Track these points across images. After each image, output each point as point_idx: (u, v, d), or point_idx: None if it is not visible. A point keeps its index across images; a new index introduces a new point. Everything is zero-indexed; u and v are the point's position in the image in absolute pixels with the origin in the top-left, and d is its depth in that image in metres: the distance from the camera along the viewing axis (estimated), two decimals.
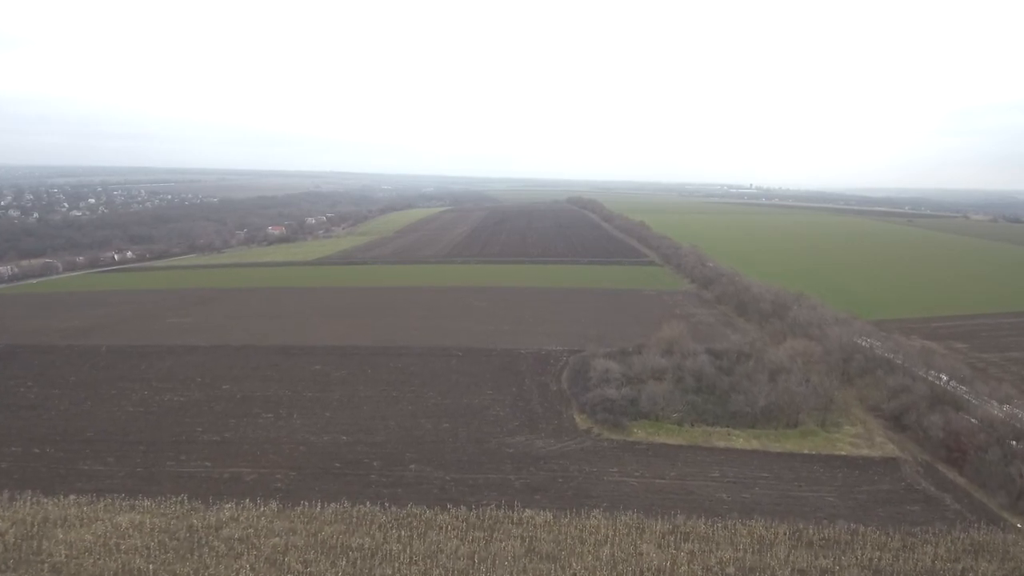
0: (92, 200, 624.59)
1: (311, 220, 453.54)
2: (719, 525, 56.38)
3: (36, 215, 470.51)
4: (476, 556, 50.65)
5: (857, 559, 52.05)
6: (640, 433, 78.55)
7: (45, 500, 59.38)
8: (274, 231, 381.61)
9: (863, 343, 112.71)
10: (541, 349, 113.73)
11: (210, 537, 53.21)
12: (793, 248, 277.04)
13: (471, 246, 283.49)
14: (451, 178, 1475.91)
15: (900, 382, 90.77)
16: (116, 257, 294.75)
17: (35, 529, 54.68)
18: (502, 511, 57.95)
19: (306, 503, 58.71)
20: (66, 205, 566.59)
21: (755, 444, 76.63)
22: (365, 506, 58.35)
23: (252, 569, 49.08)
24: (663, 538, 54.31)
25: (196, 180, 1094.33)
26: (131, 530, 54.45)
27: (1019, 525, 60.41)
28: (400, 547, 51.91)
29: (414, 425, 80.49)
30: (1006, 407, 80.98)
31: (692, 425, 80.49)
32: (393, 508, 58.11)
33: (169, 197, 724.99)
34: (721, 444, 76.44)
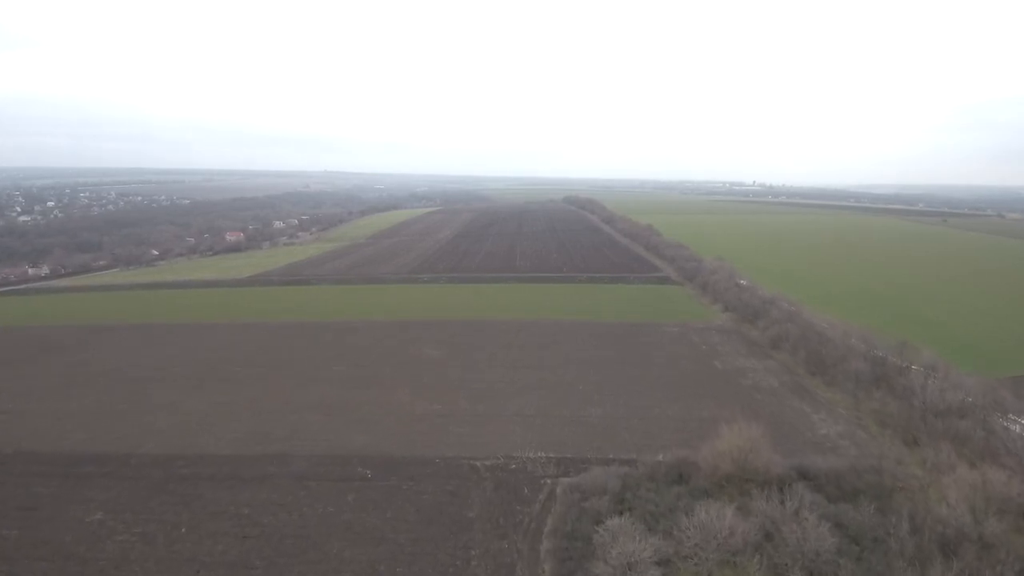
0: (51, 203, 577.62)
1: (279, 224, 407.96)
2: None
3: None
4: None
5: None
6: None
7: None
8: (230, 237, 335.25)
9: None
10: (509, 458, 67.50)
11: None
12: (832, 259, 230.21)
13: (447, 257, 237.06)
14: (449, 177, 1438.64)
15: None
16: (30, 272, 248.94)
17: None
18: None
19: None
20: (18, 209, 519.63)
21: None
22: None
23: None
24: None
25: (181, 180, 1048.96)
26: None
27: None
28: None
29: None
30: None
31: None
32: None
33: (139, 199, 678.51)
34: None
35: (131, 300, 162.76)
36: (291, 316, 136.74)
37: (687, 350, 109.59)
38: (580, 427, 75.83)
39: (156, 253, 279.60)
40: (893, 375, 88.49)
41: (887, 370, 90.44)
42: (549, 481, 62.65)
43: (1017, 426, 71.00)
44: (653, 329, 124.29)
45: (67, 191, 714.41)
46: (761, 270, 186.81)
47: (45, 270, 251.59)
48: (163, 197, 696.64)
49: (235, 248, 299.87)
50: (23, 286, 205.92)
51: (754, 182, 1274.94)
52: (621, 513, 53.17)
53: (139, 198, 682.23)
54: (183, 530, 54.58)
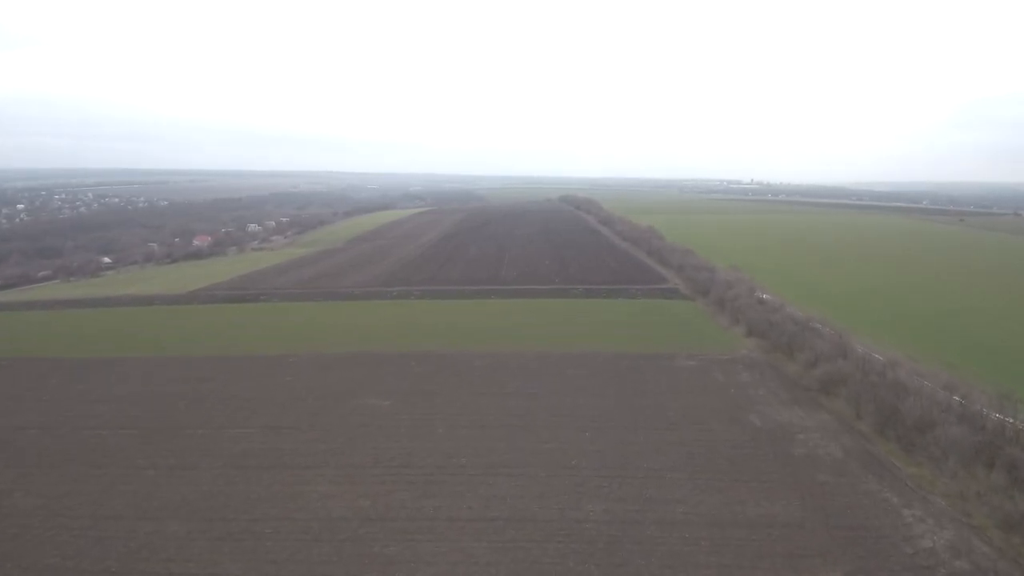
0: (20, 206, 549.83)
1: (254, 227, 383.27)
2: None
3: None
4: None
5: None
6: None
7: None
8: (198, 241, 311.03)
9: None
10: None
11: None
12: (857, 265, 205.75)
13: (427, 265, 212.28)
14: (446, 176, 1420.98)
15: None
16: None
17: None
18: None
19: None
20: None
21: None
22: None
23: None
24: None
25: (167, 181, 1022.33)
26: None
27: None
28: None
29: None
30: None
31: None
32: None
33: (116, 200, 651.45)
34: None
35: (38, 324, 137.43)
36: (214, 348, 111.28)
37: (711, 396, 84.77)
38: (571, 543, 51.02)
39: (108, 261, 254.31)
40: (1003, 444, 64.10)
41: (991, 435, 66.03)
42: None
43: None
44: (665, 363, 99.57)
45: (42, 192, 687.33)
46: (780, 278, 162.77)
47: None
48: (142, 199, 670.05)
49: (197, 255, 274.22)
50: None
51: (751, 180, 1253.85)
52: None
53: (116, 199, 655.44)
54: None
